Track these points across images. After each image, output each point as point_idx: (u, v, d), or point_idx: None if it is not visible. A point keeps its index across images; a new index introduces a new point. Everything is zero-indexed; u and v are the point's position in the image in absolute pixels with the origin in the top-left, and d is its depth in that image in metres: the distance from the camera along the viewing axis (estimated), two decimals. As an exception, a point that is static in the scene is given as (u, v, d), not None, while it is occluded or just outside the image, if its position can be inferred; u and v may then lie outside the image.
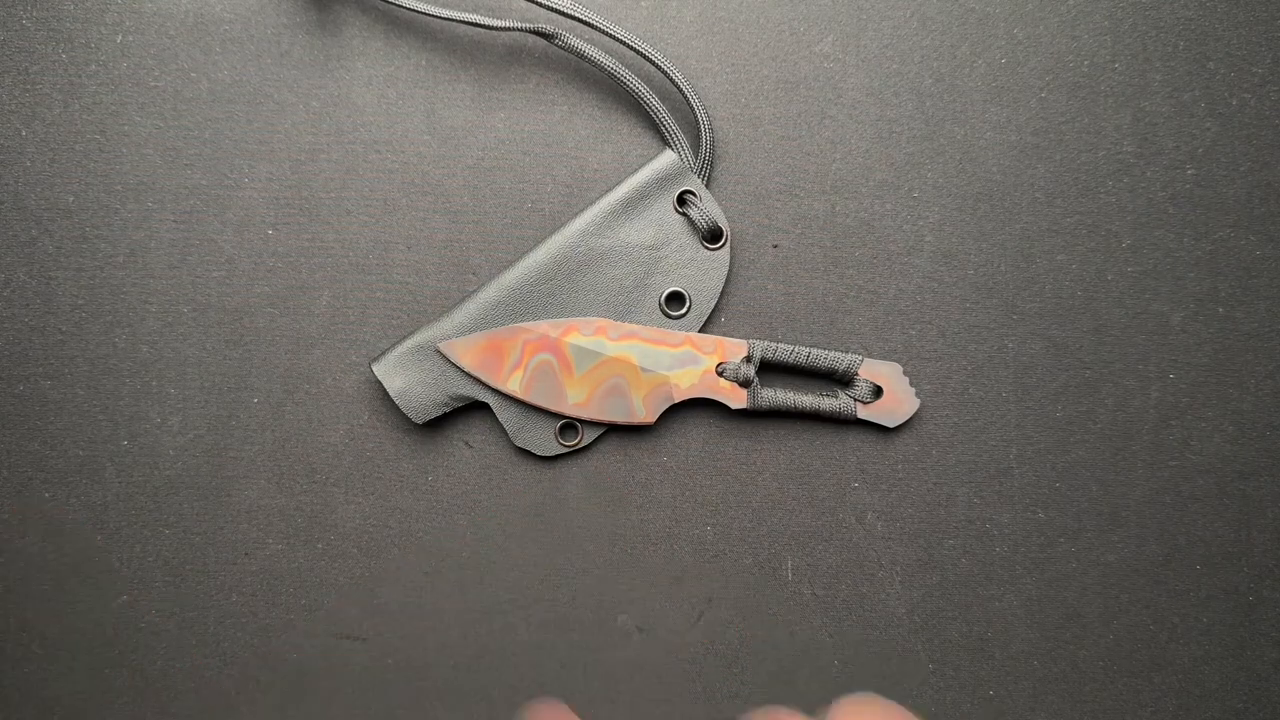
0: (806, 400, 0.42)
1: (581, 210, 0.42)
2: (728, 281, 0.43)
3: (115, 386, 0.43)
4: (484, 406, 0.42)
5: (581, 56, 0.41)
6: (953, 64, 0.43)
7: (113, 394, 0.43)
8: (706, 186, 0.42)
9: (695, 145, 0.43)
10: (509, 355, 0.41)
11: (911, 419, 0.43)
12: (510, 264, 0.42)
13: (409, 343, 0.41)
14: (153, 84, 0.43)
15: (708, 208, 0.42)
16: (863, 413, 0.42)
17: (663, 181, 0.42)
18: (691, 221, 0.42)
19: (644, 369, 0.41)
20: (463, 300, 0.42)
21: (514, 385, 0.41)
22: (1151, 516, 0.43)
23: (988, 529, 0.43)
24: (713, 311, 0.43)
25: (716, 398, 0.42)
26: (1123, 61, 0.43)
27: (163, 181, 0.43)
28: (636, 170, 0.42)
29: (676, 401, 0.42)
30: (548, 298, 0.42)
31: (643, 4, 0.43)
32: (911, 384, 0.43)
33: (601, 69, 0.41)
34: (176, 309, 0.43)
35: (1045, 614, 0.43)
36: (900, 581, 0.43)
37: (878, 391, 0.42)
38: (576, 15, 0.41)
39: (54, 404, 0.42)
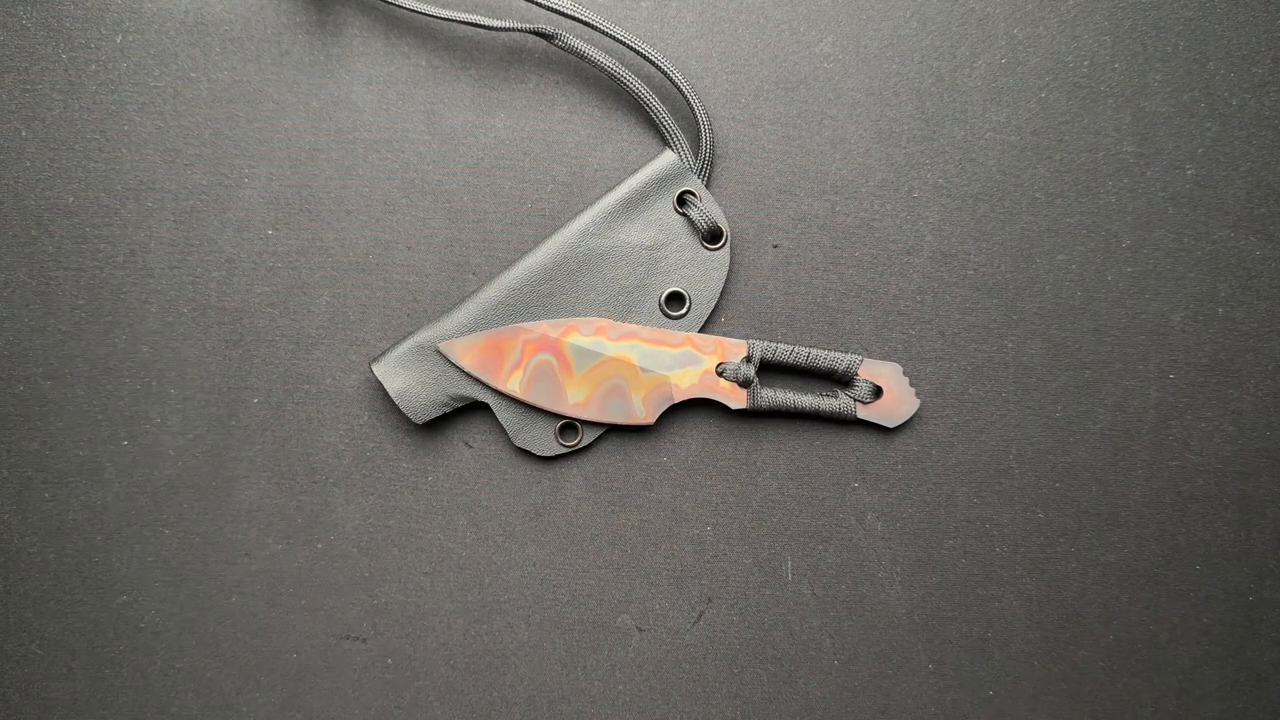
0: (806, 400, 0.42)
1: (581, 210, 0.42)
2: (728, 281, 0.43)
3: (115, 386, 0.43)
4: (484, 406, 0.42)
5: (581, 57, 0.41)
6: (953, 64, 0.43)
7: (113, 394, 0.43)
8: (706, 186, 0.42)
9: (695, 145, 0.43)
10: (509, 355, 0.41)
11: (911, 419, 0.43)
12: (510, 264, 0.42)
13: (409, 343, 0.41)
14: (153, 84, 0.43)
15: (708, 208, 0.42)
16: (863, 413, 0.42)
17: (663, 182, 0.42)
18: (691, 222, 0.42)
19: (644, 369, 0.42)
20: (463, 300, 0.42)
21: (514, 385, 0.41)
22: (1151, 516, 0.43)
23: (988, 529, 0.43)
24: (713, 311, 0.43)
25: (716, 398, 0.42)
26: (1123, 61, 0.43)
27: (163, 181, 0.43)
28: (636, 170, 0.42)
29: (676, 402, 0.42)
30: (548, 298, 0.42)
31: (643, 4, 0.43)
32: (911, 384, 0.43)
33: (601, 69, 0.41)
34: (176, 309, 0.43)
35: (1045, 614, 0.43)
36: (900, 581, 0.43)
37: (878, 391, 0.42)
38: (576, 16, 0.41)
39: (54, 404, 0.42)
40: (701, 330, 0.42)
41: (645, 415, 0.42)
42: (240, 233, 0.43)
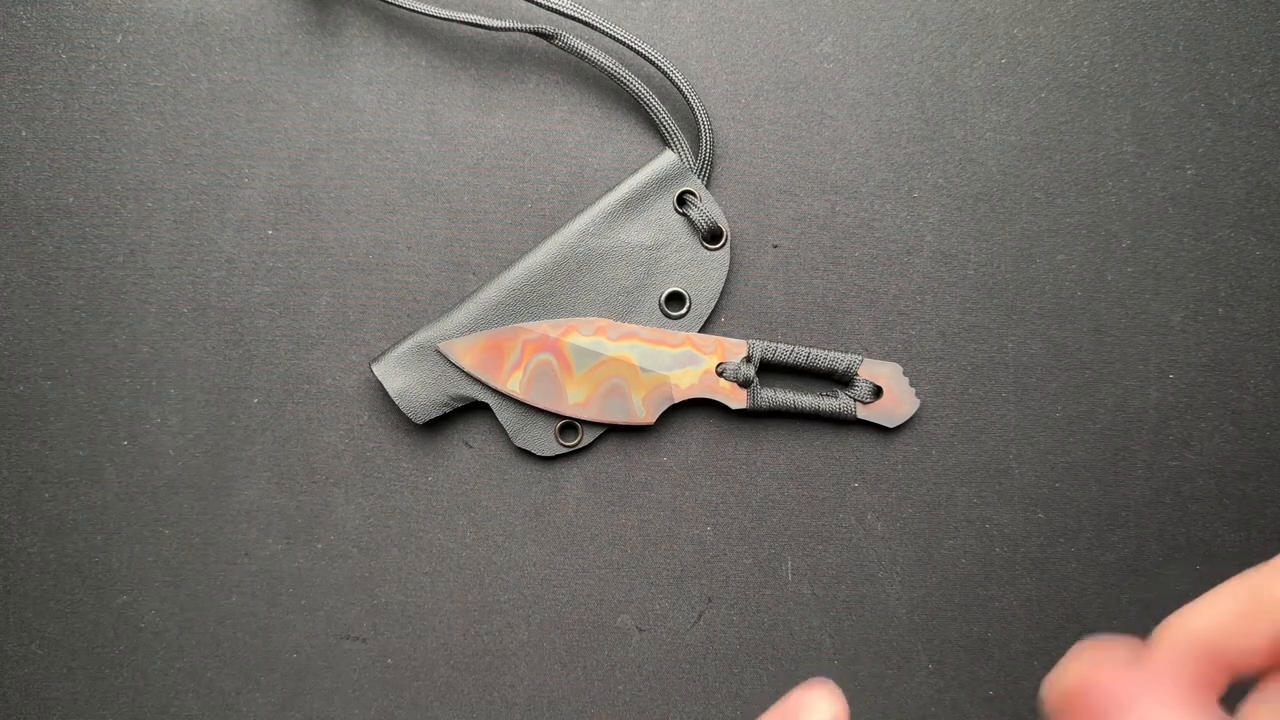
0: (806, 400, 0.42)
1: (581, 210, 0.42)
2: (728, 281, 0.43)
3: (115, 386, 0.43)
4: (484, 406, 0.42)
5: (582, 57, 0.41)
6: (953, 64, 0.43)
7: (113, 394, 0.43)
8: (706, 187, 0.42)
9: (695, 145, 0.43)
10: (509, 355, 0.41)
11: (911, 419, 0.43)
12: (510, 264, 0.42)
13: (409, 343, 0.41)
14: (153, 84, 0.43)
15: (708, 208, 0.42)
16: (863, 413, 0.42)
17: (663, 182, 0.42)
18: (691, 222, 0.42)
19: (644, 369, 0.42)
20: (463, 300, 0.42)
21: (514, 385, 0.41)
22: (1151, 516, 0.43)
23: (988, 529, 0.43)
24: (713, 311, 0.43)
25: (716, 398, 0.42)
26: (1123, 61, 0.43)
27: (163, 181, 0.43)
28: (636, 170, 0.42)
29: (676, 402, 0.42)
30: (548, 298, 0.42)
31: (643, 4, 0.43)
32: (911, 384, 0.43)
33: (602, 69, 0.41)
34: (176, 309, 0.43)
35: (1045, 614, 0.43)
36: (900, 581, 0.43)
37: (878, 392, 0.42)
38: (576, 16, 0.41)
39: (54, 404, 0.42)
40: (701, 330, 0.42)
41: (645, 415, 0.42)
42: (240, 233, 0.43)
